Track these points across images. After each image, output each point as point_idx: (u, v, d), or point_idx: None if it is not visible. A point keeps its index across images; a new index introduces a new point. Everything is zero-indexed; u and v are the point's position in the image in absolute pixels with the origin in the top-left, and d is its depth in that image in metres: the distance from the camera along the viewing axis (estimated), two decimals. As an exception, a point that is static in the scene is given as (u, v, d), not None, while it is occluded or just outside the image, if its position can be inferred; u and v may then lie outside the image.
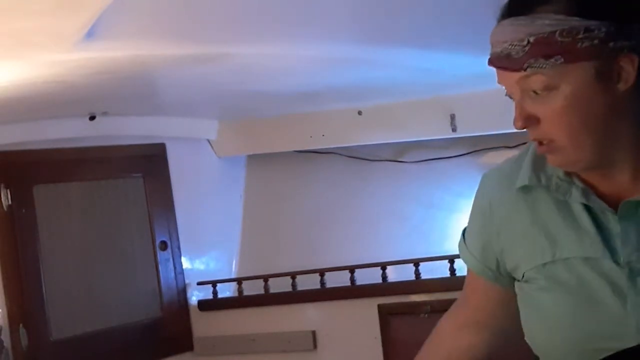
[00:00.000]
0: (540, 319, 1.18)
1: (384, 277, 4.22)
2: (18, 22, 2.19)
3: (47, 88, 3.12)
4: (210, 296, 4.62)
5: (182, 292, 4.59)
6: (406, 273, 4.16)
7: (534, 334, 1.20)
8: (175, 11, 2.39)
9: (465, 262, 1.33)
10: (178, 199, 4.62)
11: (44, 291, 3.98)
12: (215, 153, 4.89)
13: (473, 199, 1.32)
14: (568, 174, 1.14)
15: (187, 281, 4.61)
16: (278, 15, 2.57)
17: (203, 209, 4.77)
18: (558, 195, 1.15)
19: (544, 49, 1.03)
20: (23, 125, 3.86)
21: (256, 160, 5.09)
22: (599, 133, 1.07)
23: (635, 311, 1.08)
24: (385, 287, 4.19)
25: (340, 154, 4.98)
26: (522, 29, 1.05)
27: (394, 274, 4.28)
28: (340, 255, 4.70)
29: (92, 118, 4.02)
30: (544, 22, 1.03)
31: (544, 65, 1.04)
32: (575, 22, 1.02)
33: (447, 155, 4.90)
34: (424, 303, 3.93)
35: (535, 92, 1.07)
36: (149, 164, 4.55)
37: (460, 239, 1.34)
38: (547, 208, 1.17)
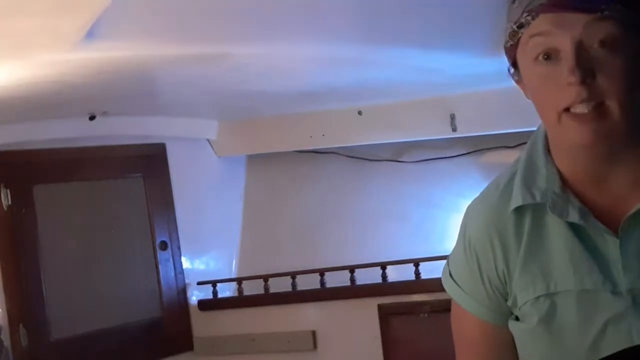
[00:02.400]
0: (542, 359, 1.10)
1: (384, 277, 4.22)
2: (18, 22, 2.19)
3: (47, 88, 3.12)
4: (210, 296, 4.62)
5: (182, 292, 4.59)
6: (406, 273, 4.16)
7: None
8: (175, 11, 2.39)
9: (473, 311, 1.18)
10: (178, 199, 4.62)
11: (44, 291, 3.98)
12: (215, 153, 4.89)
13: (459, 238, 1.20)
14: (564, 189, 1.07)
15: (187, 281, 4.61)
16: (278, 15, 2.57)
17: (203, 209, 4.77)
18: (554, 213, 1.06)
19: None
20: (23, 125, 3.86)
21: (256, 160, 5.09)
22: None
23: None
24: (385, 287, 4.19)
25: (340, 154, 4.98)
26: None
27: (394, 274, 4.28)
28: (340, 255, 4.70)
29: (92, 118, 4.02)
30: None
31: (620, 12, 0.96)
32: None
33: (447, 155, 4.90)
34: (424, 303, 3.93)
35: (599, 42, 0.97)
36: (149, 164, 4.55)
37: (453, 284, 1.21)
38: (540, 233, 1.08)
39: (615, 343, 1.02)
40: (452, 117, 4.30)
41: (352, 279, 4.27)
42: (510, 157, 5.25)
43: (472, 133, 4.47)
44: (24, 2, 2.03)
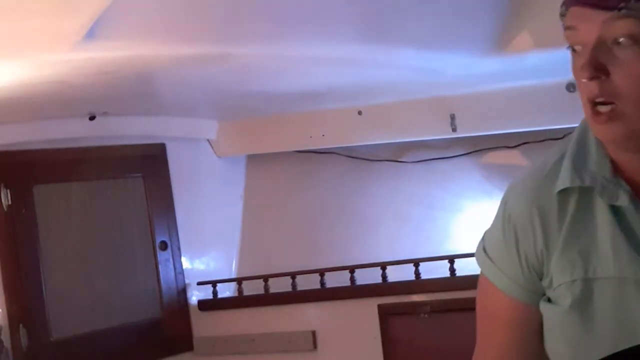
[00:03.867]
0: (569, 345, 1.09)
1: (384, 277, 4.22)
2: (18, 22, 2.19)
3: (47, 88, 3.12)
4: (210, 296, 4.62)
5: (182, 292, 4.59)
6: (406, 273, 4.16)
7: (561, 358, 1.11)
8: (175, 11, 2.39)
9: (505, 288, 1.16)
10: (178, 199, 4.62)
11: (44, 291, 3.98)
12: (215, 153, 4.89)
13: (498, 215, 1.18)
14: (614, 173, 1.05)
15: (187, 281, 4.61)
16: (278, 16, 2.57)
17: (203, 209, 4.77)
18: (602, 197, 1.04)
19: None
20: (23, 125, 3.86)
21: (256, 160, 5.08)
22: None
23: None
24: (385, 287, 4.19)
25: (340, 154, 4.98)
26: None
27: (394, 274, 4.28)
28: (340, 255, 4.70)
29: (92, 118, 4.02)
30: None
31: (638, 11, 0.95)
32: None
33: (447, 155, 4.89)
34: (424, 303, 3.93)
35: (616, 40, 0.97)
36: (149, 164, 4.55)
37: (488, 261, 1.18)
38: (581, 215, 1.07)
39: None
40: (452, 117, 4.30)
41: (352, 279, 4.27)
42: (510, 157, 5.25)
43: (472, 133, 4.47)
44: (24, 2, 2.03)
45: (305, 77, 3.61)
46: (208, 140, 4.86)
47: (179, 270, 4.58)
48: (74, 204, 4.24)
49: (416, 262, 4.09)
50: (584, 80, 0.99)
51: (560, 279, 1.08)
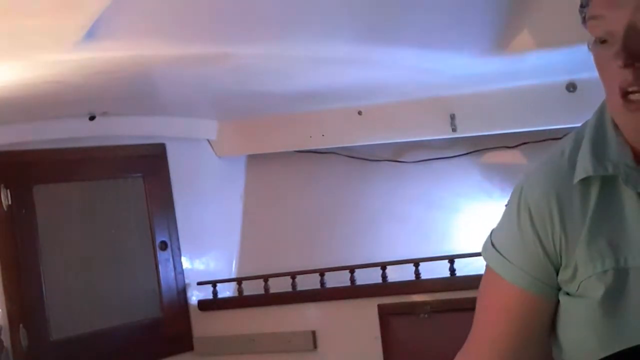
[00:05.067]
0: (596, 337, 1.05)
1: (384, 277, 4.22)
2: (18, 22, 2.19)
3: (47, 88, 3.12)
4: (210, 296, 4.62)
5: (182, 292, 4.59)
6: (406, 273, 4.16)
7: (584, 351, 1.07)
8: (175, 11, 2.39)
9: (516, 281, 1.12)
10: (178, 199, 4.62)
11: (44, 291, 3.98)
12: (215, 153, 4.88)
13: (512, 205, 1.14)
14: (638, 161, 1.02)
15: (187, 281, 4.61)
16: (278, 16, 2.57)
17: (203, 209, 4.77)
18: (627, 184, 1.02)
19: None
20: (23, 125, 3.86)
21: (256, 160, 5.08)
22: None
23: None
24: (385, 287, 4.19)
25: (340, 154, 4.98)
26: None
27: (394, 274, 4.28)
28: (340, 255, 4.70)
29: (92, 118, 4.01)
30: None
31: None
32: None
33: (447, 155, 4.89)
34: (424, 303, 3.93)
35: None
36: (149, 164, 4.55)
37: (495, 253, 1.15)
38: (606, 205, 1.04)
39: None
40: (452, 117, 4.30)
41: (352, 279, 4.27)
42: (510, 157, 5.25)
43: (472, 133, 4.47)
44: (24, 2, 2.03)
45: (305, 77, 3.61)
46: (208, 140, 4.86)
47: (179, 270, 4.58)
48: (74, 204, 4.24)
49: (416, 262, 4.09)
50: (619, 66, 0.95)
51: (590, 271, 1.04)
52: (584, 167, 1.04)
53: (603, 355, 1.02)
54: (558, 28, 3.01)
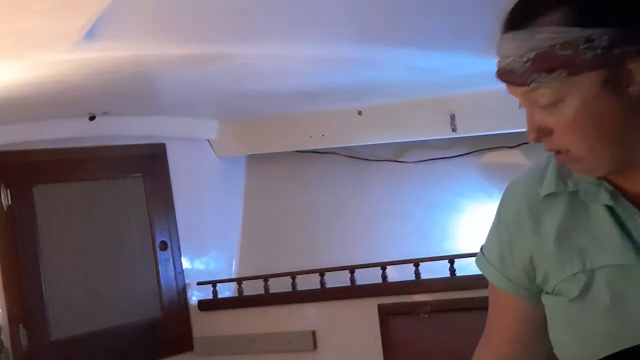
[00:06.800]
0: (573, 333, 1.14)
1: (384, 277, 4.22)
2: (18, 22, 2.19)
3: (47, 88, 3.12)
4: (210, 296, 4.62)
5: (182, 292, 4.59)
6: (406, 273, 4.16)
7: (566, 348, 1.16)
8: (175, 11, 2.39)
9: (497, 283, 1.25)
10: (178, 199, 4.62)
11: (44, 291, 3.98)
12: (215, 153, 4.89)
13: (495, 217, 1.25)
14: (598, 178, 1.10)
15: (187, 281, 4.61)
16: (278, 15, 2.57)
17: (203, 209, 4.77)
18: (586, 199, 1.11)
19: (545, 64, 1.00)
20: (23, 125, 3.86)
21: (256, 160, 5.09)
22: (616, 139, 1.04)
23: None
24: (385, 287, 4.19)
25: (340, 154, 4.98)
26: (523, 44, 1.02)
27: (394, 274, 4.28)
28: (340, 255, 4.70)
29: (92, 118, 4.02)
30: (544, 36, 1.00)
31: (548, 80, 1.01)
32: (576, 33, 0.98)
33: (447, 155, 4.90)
34: (424, 303, 3.93)
35: (542, 106, 1.05)
36: (149, 164, 4.55)
37: (485, 261, 1.27)
38: (574, 216, 1.13)
39: None
40: (452, 117, 4.30)
41: (352, 279, 4.27)
42: (510, 157, 5.25)
43: (472, 133, 4.47)
44: (24, 2, 2.03)
45: (305, 77, 3.61)
46: (208, 140, 4.86)
47: (179, 270, 4.58)
48: (74, 204, 4.24)
49: (416, 262, 4.09)
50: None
51: (561, 275, 1.13)
52: (549, 184, 1.15)
53: (580, 351, 1.12)
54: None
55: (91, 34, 2.33)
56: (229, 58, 3.02)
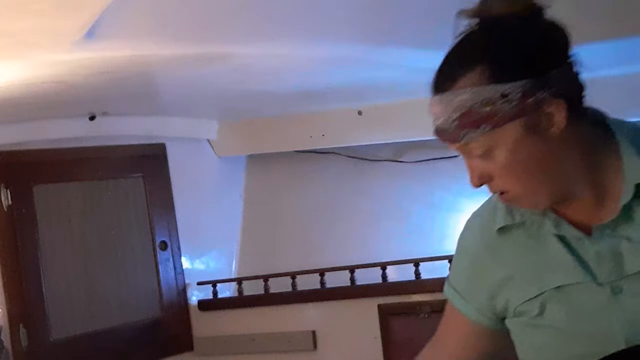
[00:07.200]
0: (535, 350, 1.24)
1: (384, 277, 4.22)
2: (18, 22, 2.19)
3: (47, 88, 3.12)
4: (210, 296, 4.62)
5: (182, 292, 4.59)
6: (406, 273, 4.16)
7: None
8: (175, 11, 2.39)
9: (468, 314, 1.35)
10: (178, 199, 4.62)
11: (44, 291, 3.98)
12: (215, 153, 4.89)
13: (458, 245, 1.37)
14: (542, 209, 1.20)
15: (187, 281, 4.61)
16: (278, 15, 2.57)
17: (203, 209, 4.77)
18: (533, 230, 1.21)
19: (470, 122, 1.10)
20: (23, 125, 3.86)
21: (256, 160, 5.08)
22: (549, 176, 1.13)
23: (622, 328, 1.13)
24: (385, 287, 4.19)
25: (340, 154, 4.98)
26: (448, 106, 1.12)
27: (394, 274, 4.28)
28: (340, 255, 4.70)
29: (92, 118, 4.02)
30: (464, 97, 1.10)
31: (475, 134, 1.11)
32: (491, 90, 1.08)
33: (447, 155, 4.89)
34: (424, 303, 3.93)
35: (479, 156, 1.14)
36: (149, 164, 4.55)
37: (447, 287, 1.38)
38: (526, 245, 1.22)
39: (599, 330, 1.14)
40: (452, 117, 4.29)
41: (352, 279, 4.27)
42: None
43: (472, 133, 4.46)
44: (24, 2, 2.03)
45: (305, 77, 3.61)
46: (208, 140, 4.86)
47: (179, 270, 4.58)
48: (74, 204, 4.24)
49: (416, 262, 4.09)
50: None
51: (521, 299, 1.22)
52: (500, 218, 1.25)
53: None
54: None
55: (91, 34, 2.33)
56: (229, 58, 3.02)
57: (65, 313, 4.07)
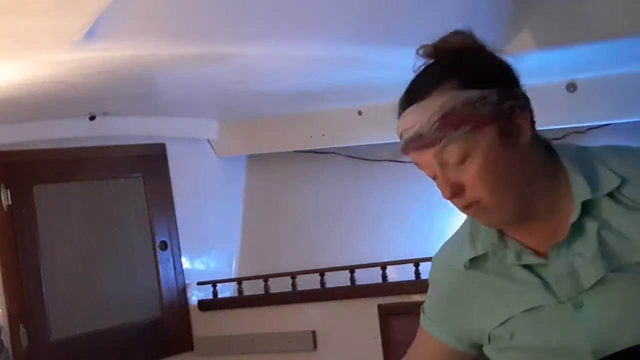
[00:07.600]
0: None
1: (384, 277, 4.22)
2: (18, 22, 2.19)
3: (47, 88, 3.12)
4: (210, 296, 4.62)
5: (182, 292, 4.59)
6: (406, 273, 4.16)
7: None
8: (175, 11, 2.39)
9: (442, 339, 1.40)
10: (178, 199, 4.62)
11: (44, 291, 3.99)
12: (215, 153, 4.89)
13: (429, 277, 1.43)
14: (501, 235, 1.26)
15: (187, 281, 4.61)
16: (278, 16, 2.58)
17: (203, 209, 4.77)
18: (496, 259, 1.27)
19: (451, 122, 1.15)
20: (23, 125, 3.86)
21: (256, 160, 5.09)
22: (518, 187, 1.18)
23: (587, 340, 1.18)
24: (385, 287, 4.19)
25: (340, 154, 4.98)
26: (428, 111, 1.17)
27: (394, 274, 4.28)
28: (340, 255, 4.70)
29: (92, 118, 4.02)
30: (445, 100, 1.15)
31: (455, 135, 1.15)
32: (470, 93, 1.15)
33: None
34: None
35: (454, 161, 1.17)
36: (149, 164, 4.55)
37: (427, 320, 1.43)
38: (494, 273, 1.28)
39: (566, 345, 1.20)
40: (452, 117, 4.29)
41: (352, 279, 4.28)
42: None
43: (472, 133, 4.46)
44: (24, 2, 2.03)
45: (305, 77, 3.61)
46: (208, 140, 4.86)
47: (179, 270, 4.58)
48: (74, 204, 4.24)
49: (416, 262, 4.10)
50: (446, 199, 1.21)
51: (493, 325, 1.29)
52: (466, 251, 1.31)
53: None
54: (558, 28, 3.01)
55: (91, 34, 2.33)
56: (229, 58, 3.02)
57: (65, 313, 4.07)
